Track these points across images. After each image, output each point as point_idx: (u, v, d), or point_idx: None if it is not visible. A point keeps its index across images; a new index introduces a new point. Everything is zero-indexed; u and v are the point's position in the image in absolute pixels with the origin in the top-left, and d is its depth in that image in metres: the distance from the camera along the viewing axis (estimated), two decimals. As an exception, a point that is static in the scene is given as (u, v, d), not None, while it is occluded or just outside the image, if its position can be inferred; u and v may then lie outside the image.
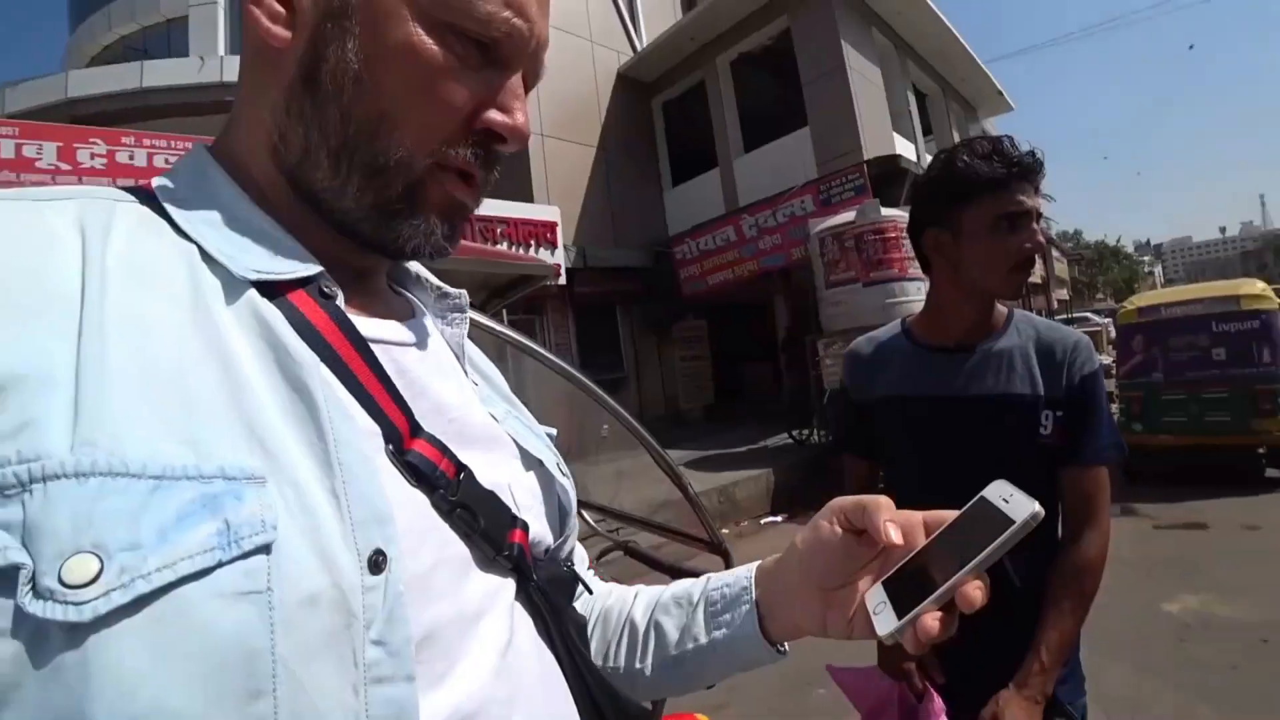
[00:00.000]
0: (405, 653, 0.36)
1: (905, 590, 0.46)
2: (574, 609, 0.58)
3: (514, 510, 0.51)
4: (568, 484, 0.61)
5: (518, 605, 0.49)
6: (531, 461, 0.58)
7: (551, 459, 0.60)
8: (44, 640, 0.28)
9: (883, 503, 0.49)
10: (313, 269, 0.43)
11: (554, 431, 0.66)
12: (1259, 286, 6.17)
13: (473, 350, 0.63)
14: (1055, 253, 21.17)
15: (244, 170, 0.46)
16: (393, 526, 0.38)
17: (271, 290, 0.41)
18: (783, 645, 0.58)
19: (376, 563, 0.36)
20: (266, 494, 0.33)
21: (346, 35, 0.42)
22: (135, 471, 0.30)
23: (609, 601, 0.68)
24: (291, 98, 0.44)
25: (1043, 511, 0.43)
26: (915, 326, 1.31)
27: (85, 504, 0.29)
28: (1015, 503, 0.44)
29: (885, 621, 0.46)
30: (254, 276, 0.40)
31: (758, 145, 11.15)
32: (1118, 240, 56.48)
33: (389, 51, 0.42)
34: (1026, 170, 1.16)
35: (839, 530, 0.51)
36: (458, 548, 0.45)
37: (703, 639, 0.60)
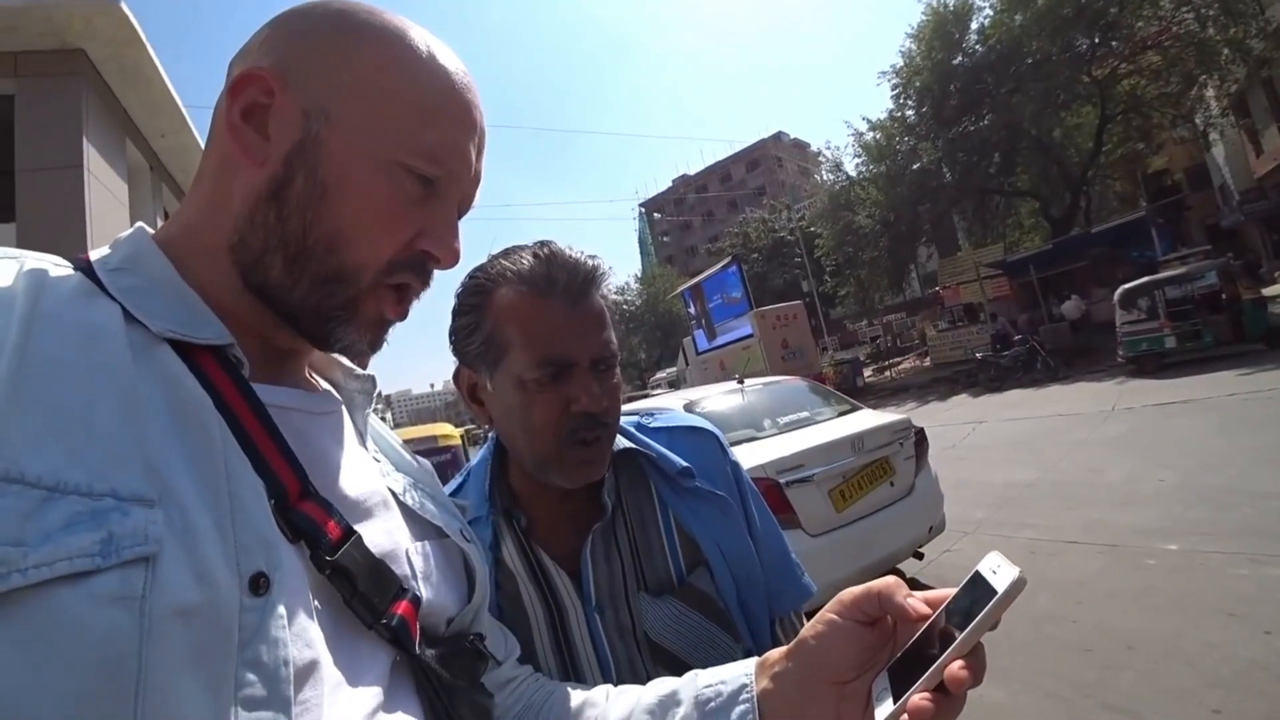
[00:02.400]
0: (280, 677, 0.37)
1: (905, 674, 0.46)
2: (474, 689, 0.55)
3: (406, 580, 0.52)
4: (472, 549, 0.62)
5: (399, 679, 0.50)
6: (432, 530, 0.59)
7: (455, 525, 0.62)
8: None
9: (893, 584, 0.50)
10: (224, 340, 0.47)
11: (466, 504, 0.71)
12: (448, 428, 8.58)
13: (377, 429, 0.65)
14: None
15: (184, 256, 0.50)
16: (278, 553, 0.40)
17: (184, 351, 0.45)
18: None
19: (257, 584, 0.38)
20: (153, 514, 0.36)
21: (313, 166, 0.48)
22: (30, 481, 0.33)
23: (573, 702, 0.65)
24: (257, 209, 0.48)
25: (1025, 579, 0.42)
26: None
27: None
28: (1001, 573, 0.43)
29: (883, 708, 0.45)
30: (169, 335, 0.44)
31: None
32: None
33: (347, 184, 0.48)
34: None
35: (850, 623, 0.51)
36: (332, 608, 0.46)
37: None
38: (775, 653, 0.58)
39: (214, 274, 0.50)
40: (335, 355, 0.62)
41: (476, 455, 0.97)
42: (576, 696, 0.66)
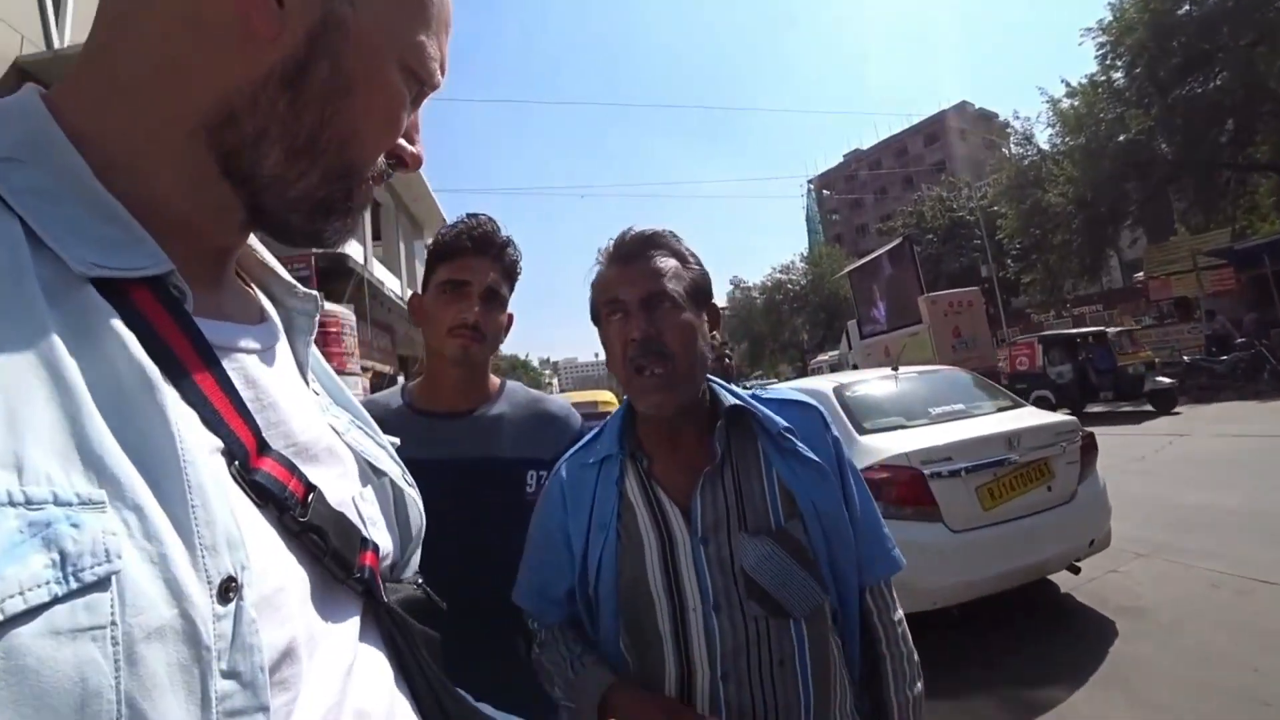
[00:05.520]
0: (258, 683, 0.34)
1: None
2: (427, 630, 0.55)
3: (363, 530, 0.50)
4: (414, 494, 0.61)
5: (366, 628, 0.49)
6: (374, 474, 0.57)
7: (397, 470, 0.60)
8: None
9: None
10: (162, 268, 0.39)
11: (397, 441, 0.64)
12: (609, 395, 9.24)
13: (314, 356, 0.60)
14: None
15: (106, 134, 0.40)
16: (243, 551, 0.35)
17: (111, 287, 0.36)
18: None
19: (227, 590, 0.34)
20: (107, 520, 0.30)
21: (336, 54, 0.43)
22: None
23: None
24: (263, 90, 0.42)
25: None
26: (414, 394, 1.36)
27: None
28: None
29: None
30: (94, 273, 0.35)
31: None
32: (526, 355, 73.14)
33: (371, 80, 0.45)
34: (480, 244, 1.25)
35: None
36: (305, 570, 0.43)
37: None
38: None
39: (153, 157, 0.41)
40: (274, 267, 0.57)
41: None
42: None
